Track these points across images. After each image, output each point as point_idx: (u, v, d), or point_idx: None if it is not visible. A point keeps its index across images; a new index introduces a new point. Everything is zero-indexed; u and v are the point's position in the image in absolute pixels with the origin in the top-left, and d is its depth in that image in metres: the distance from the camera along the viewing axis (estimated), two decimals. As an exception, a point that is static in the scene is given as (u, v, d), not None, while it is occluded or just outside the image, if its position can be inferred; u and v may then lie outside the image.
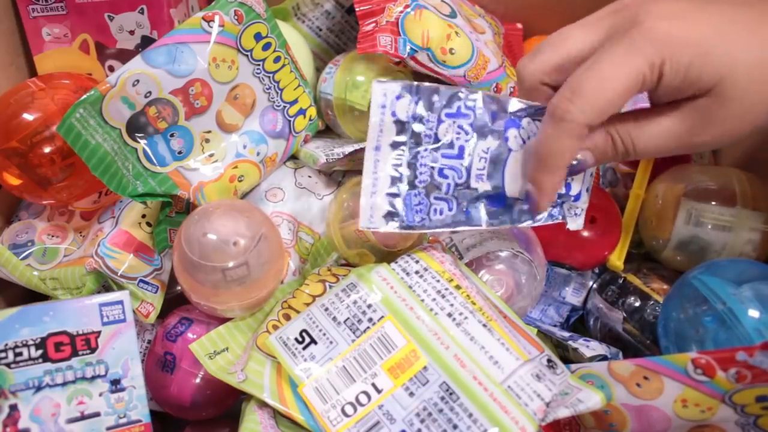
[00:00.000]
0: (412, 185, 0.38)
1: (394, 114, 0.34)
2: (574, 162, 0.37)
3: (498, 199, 0.39)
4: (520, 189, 0.38)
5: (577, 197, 0.40)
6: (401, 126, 0.35)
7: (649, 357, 0.35)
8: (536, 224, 0.40)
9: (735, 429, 0.36)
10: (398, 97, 0.34)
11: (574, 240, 0.51)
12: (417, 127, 0.37)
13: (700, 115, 0.34)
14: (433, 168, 0.38)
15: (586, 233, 0.51)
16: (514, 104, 0.38)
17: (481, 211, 0.39)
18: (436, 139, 0.37)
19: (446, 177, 0.38)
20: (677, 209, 0.49)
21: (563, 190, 0.39)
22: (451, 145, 0.37)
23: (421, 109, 0.36)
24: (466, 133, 0.37)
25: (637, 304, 0.51)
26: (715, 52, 0.32)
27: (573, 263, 0.53)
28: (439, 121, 0.36)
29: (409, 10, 0.49)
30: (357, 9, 0.50)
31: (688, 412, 0.35)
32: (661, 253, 0.52)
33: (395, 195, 0.37)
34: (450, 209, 0.38)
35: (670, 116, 0.35)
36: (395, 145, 0.36)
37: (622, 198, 0.57)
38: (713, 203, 0.48)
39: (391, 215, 0.37)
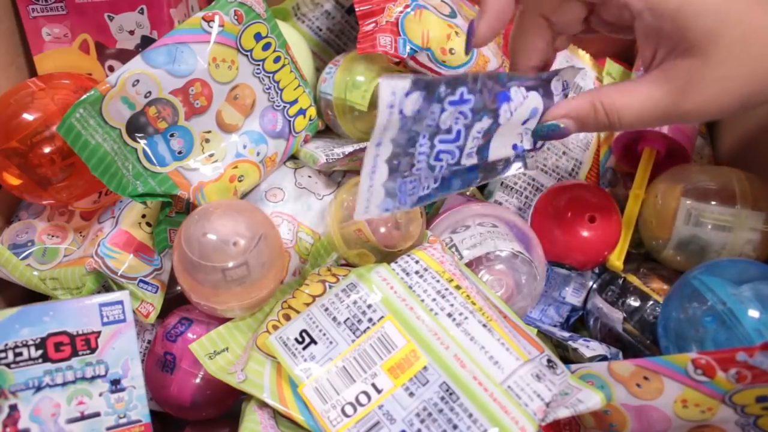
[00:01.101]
0: (409, 174, 0.38)
1: (401, 112, 0.34)
2: (557, 129, 0.38)
3: (474, 168, 0.40)
4: (503, 154, 0.39)
5: (539, 148, 0.41)
6: (405, 121, 0.35)
7: (649, 357, 0.35)
8: (499, 176, 0.41)
9: (735, 429, 0.36)
10: (407, 94, 0.34)
11: (574, 240, 0.51)
12: (421, 120, 0.36)
13: (683, 78, 0.33)
14: (429, 155, 0.38)
15: (586, 233, 0.51)
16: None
17: (459, 179, 0.40)
18: (437, 128, 0.37)
19: (441, 160, 0.38)
20: (677, 209, 0.49)
21: (530, 147, 0.40)
22: (449, 131, 0.37)
23: (427, 103, 0.35)
24: (465, 117, 0.37)
25: (637, 304, 0.51)
26: (708, 5, 0.31)
27: (573, 263, 0.53)
28: (442, 111, 0.36)
29: (409, 10, 0.49)
30: (357, 9, 0.50)
31: (688, 413, 0.35)
32: (660, 253, 0.52)
33: (392, 184, 0.37)
34: (435, 183, 0.39)
35: (653, 82, 0.34)
36: (396, 141, 0.36)
37: (622, 198, 0.57)
38: (713, 203, 0.48)
39: (386, 202, 0.37)
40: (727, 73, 0.32)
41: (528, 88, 0.40)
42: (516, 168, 0.42)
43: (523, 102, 0.39)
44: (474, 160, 0.39)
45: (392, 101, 0.34)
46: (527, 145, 0.41)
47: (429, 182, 0.38)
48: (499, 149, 0.40)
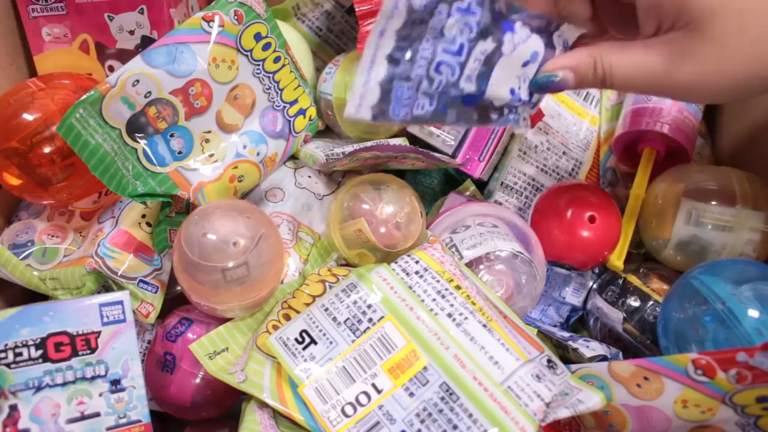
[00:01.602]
0: (407, 78, 0.36)
1: (410, 1, 0.33)
2: (556, 79, 0.38)
3: (470, 100, 0.39)
4: (501, 95, 0.39)
5: (534, 105, 0.40)
6: (411, 14, 0.34)
7: (650, 357, 0.35)
8: (493, 126, 0.40)
9: (735, 430, 0.36)
10: None
11: (574, 240, 0.51)
12: (426, 18, 0.35)
13: (678, 49, 0.33)
14: (431, 62, 0.36)
15: (586, 233, 0.51)
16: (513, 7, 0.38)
17: (455, 110, 0.38)
18: (441, 33, 0.36)
19: (441, 73, 0.37)
20: (677, 209, 0.49)
21: (526, 98, 0.40)
22: (453, 41, 0.36)
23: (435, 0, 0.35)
24: (470, 31, 0.36)
25: (637, 304, 0.51)
26: None
27: (573, 263, 0.53)
28: (449, 15, 0.35)
29: (409, 9, 0.49)
30: (357, 9, 0.50)
31: (689, 413, 0.35)
32: (661, 253, 0.52)
33: (389, 86, 0.36)
34: (431, 105, 0.38)
35: (651, 47, 0.35)
36: (400, 34, 0.35)
37: (622, 198, 0.57)
38: (713, 203, 0.48)
39: (379, 106, 0.36)
40: (723, 51, 0.32)
41: (532, 29, 0.39)
42: (509, 120, 0.40)
43: (527, 41, 0.38)
44: (472, 87, 0.38)
45: None
46: (524, 94, 0.40)
47: (425, 101, 0.37)
48: (497, 86, 0.39)
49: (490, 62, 0.38)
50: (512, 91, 0.40)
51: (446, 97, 0.38)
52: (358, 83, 0.35)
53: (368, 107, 0.35)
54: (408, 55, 0.35)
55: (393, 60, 0.35)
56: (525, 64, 0.39)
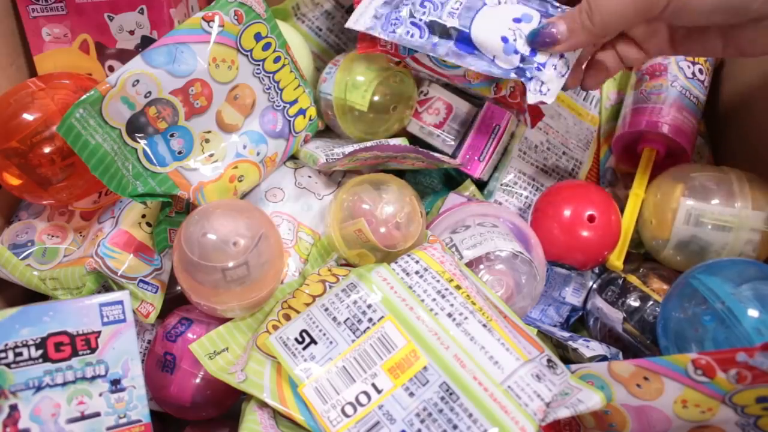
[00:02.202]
0: (396, 6, 0.47)
1: None
2: (546, 28, 0.42)
3: (465, 43, 0.45)
4: (491, 41, 0.44)
5: (541, 66, 0.43)
6: None
7: (649, 357, 0.35)
8: (496, 75, 0.44)
9: (735, 430, 0.36)
10: None
11: (574, 240, 0.51)
12: None
13: None
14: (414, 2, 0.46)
15: (585, 233, 0.51)
16: None
17: (446, 47, 0.46)
18: None
19: (424, 7, 0.46)
20: (677, 209, 0.49)
21: (525, 51, 0.43)
22: None
23: None
24: None
25: (637, 304, 0.51)
26: None
27: (573, 263, 0.53)
28: None
29: (409, 9, 0.49)
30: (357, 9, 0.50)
31: (689, 413, 0.35)
32: (660, 253, 0.52)
33: (382, 11, 0.47)
34: (421, 36, 0.46)
35: None
36: None
37: (622, 198, 0.57)
38: (713, 203, 0.48)
39: (372, 21, 0.48)
40: None
41: (521, 2, 0.44)
42: (514, 75, 0.44)
43: (515, 3, 0.44)
44: (456, 23, 0.45)
45: None
46: (521, 47, 0.43)
47: (414, 30, 0.46)
48: (484, 32, 0.44)
49: (472, 6, 0.45)
50: (504, 39, 0.44)
51: (436, 30, 0.46)
52: (362, 5, 0.48)
53: (363, 22, 0.48)
54: None
55: None
56: (516, 21, 0.44)
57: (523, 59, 0.43)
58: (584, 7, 0.40)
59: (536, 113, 0.50)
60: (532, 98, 0.43)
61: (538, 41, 0.42)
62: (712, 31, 0.41)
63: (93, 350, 0.39)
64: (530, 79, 0.43)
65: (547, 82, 0.43)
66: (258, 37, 0.48)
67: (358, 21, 0.48)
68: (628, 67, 0.63)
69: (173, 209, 0.47)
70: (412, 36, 0.46)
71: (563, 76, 0.44)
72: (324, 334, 0.40)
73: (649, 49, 0.44)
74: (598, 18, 0.39)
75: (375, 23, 0.48)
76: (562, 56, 0.43)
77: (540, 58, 0.43)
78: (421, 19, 0.46)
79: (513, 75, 0.43)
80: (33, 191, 0.46)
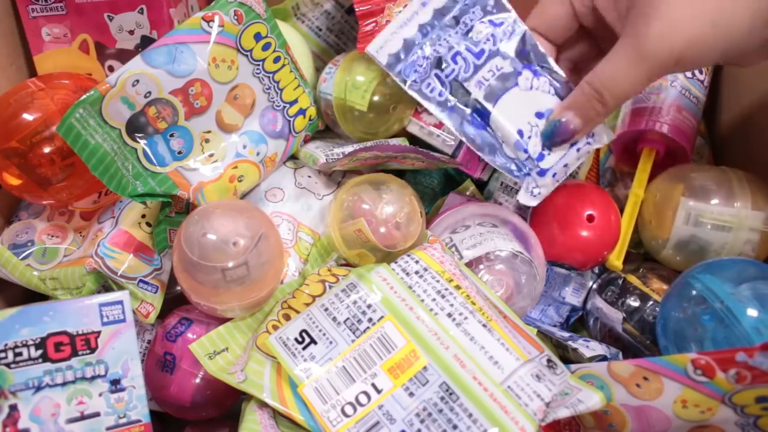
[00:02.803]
0: (425, 48, 0.42)
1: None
2: (560, 122, 0.40)
3: (481, 117, 0.42)
4: (507, 129, 0.42)
5: (542, 172, 0.43)
6: (453, 2, 0.39)
7: (649, 357, 0.35)
8: (496, 165, 0.43)
9: (735, 430, 0.36)
10: None
11: (574, 240, 0.51)
12: (461, 10, 0.40)
13: (640, 16, 0.35)
14: (450, 49, 0.41)
15: (585, 233, 0.51)
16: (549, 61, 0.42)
17: (460, 120, 0.43)
18: (469, 30, 0.40)
19: (456, 63, 0.41)
20: (676, 209, 0.49)
21: (534, 151, 0.42)
22: (476, 44, 0.40)
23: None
24: (494, 44, 0.40)
25: (637, 304, 0.51)
26: None
27: (573, 263, 0.53)
28: (481, 20, 0.40)
29: (408, 10, 0.49)
30: (357, 9, 0.50)
31: (688, 413, 0.35)
32: (660, 253, 0.52)
33: (410, 46, 0.41)
34: (441, 95, 0.42)
35: (619, 40, 0.37)
36: (437, 12, 0.39)
37: (622, 198, 0.57)
38: (713, 203, 0.48)
39: (395, 57, 0.42)
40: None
41: (555, 90, 0.42)
42: (512, 172, 0.43)
43: (546, 93, 0.42)
44: (481, 94, 0.42)
45: None
46: (532, 147, 0.42)
47: (436, 83, 0.41)
48: (504, 116, 0.42)
49: (503, 83, 0.41)
50: (520, 133, 0.42)
51: (456, 96, 0.42)
52: (387, 30, 0.41)
53: (386, 54, 0.41)
54: (436, 32, 0.40)
55: (423, 29, 0.40)
56: (538, 115, 0.42)
57: (528, 158, 0.43)
58: (590, 92, 0.39)
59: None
60: (522, 197, 0.44)
61: (556, 140, 0.41)
62: None
63: (93, 350, 0.39)
64: (527, 175, 0.43)
65: (542, 186, 0.44)
66: (258, 37, 0.48)
67: (382, 50, 0.43)
68: None
69: (173, 209, 0.47)
70: (432, 91, 0.42)
71: (558, 182, 0.44)
72: (324, 334, 0.40)
73: None
74: (611, 101, 0.39)
75: (396, 63, 0.42)
76: (566, 165, 0.44)
77: (546, 163, 0.43)
78: (447, 75, 0.42)
79: (513, 167, 0.43)
80: (33, 191, 0.46)
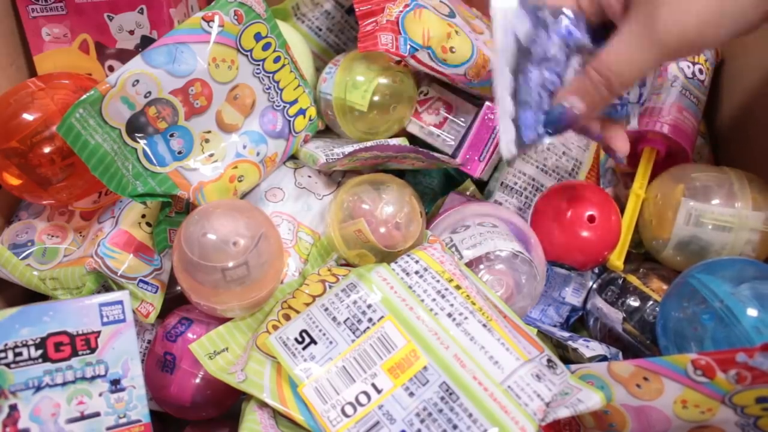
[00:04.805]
0: (526, 104, 0.39)
1: (515, 35, 0.36)
2: (565, 106, 0.39)
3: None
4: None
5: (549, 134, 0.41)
6: (518, 46, 0.37)
7: (649, 358, 0.35)
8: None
9: (735, 430, 0.36)
10: (517, 16, 0.36)
11: (574, 240, 0.51)
12: (531, 46, 0.38)
13: (648, 5, 0.35)
14: (539, 84, 0.40)
15: (585, 233, 0.51)
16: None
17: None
18: (545, 57, 0.39)
19: (548, 90, 0.40)
20: (677, 209, 0.49)
21: (539, 132, 0.41)
22: (557, 60, 0.39)
23: (533, 27, 0.38)
24: (568, 47, 0.39)
25: (637, 304, 0.51)
26: None
27: (573, 263, 0.53)
28: (549, 38, 0.38)
29: (408, 9, 0.49)
30: (357, 9, 0.50)
31: (688, 413, 0.35)
32: (660, 253, 0.52)
33: (516, 116, 0.39)
34: (543, 120, 0.40)
35: (626, 22, 0.36)
36: (512, 67, 0.38)
37: (622, 198, 0.57)
38: (713, 203, 0.48)
39: (518, 137, 0.40)
40: None
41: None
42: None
43: None
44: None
45: (505, 24, 0.36)
46: (532, 132, 0.41)
47: (540, 116, 0.40)
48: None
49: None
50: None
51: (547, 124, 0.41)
52: (502, 123, 0.39)
53: (513, 143, 0.40)
54: (522, 83, 0.39)
55: (512, 93, 0.39)
56: None
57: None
58: (596, 78, 0.38)
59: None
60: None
61: (560, 125, 0.40)
62: None
63: (93, 350, 0.39)
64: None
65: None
66: (258, 37, 0.48)
67: (510, 145, 0.40)
68: None
69: (173, 209, 0.47)
70: (539, 123, 0.40)
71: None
72: (324, 334, 0.40)
73: None
74: (618, 86, 0.38)
75: (516, 139, 0.40)
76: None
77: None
78: (544, 103, 0.40)
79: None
80: (33, 191, 0.46)
